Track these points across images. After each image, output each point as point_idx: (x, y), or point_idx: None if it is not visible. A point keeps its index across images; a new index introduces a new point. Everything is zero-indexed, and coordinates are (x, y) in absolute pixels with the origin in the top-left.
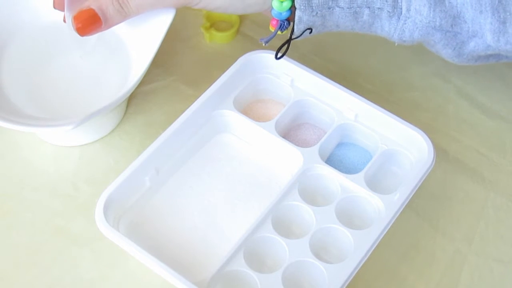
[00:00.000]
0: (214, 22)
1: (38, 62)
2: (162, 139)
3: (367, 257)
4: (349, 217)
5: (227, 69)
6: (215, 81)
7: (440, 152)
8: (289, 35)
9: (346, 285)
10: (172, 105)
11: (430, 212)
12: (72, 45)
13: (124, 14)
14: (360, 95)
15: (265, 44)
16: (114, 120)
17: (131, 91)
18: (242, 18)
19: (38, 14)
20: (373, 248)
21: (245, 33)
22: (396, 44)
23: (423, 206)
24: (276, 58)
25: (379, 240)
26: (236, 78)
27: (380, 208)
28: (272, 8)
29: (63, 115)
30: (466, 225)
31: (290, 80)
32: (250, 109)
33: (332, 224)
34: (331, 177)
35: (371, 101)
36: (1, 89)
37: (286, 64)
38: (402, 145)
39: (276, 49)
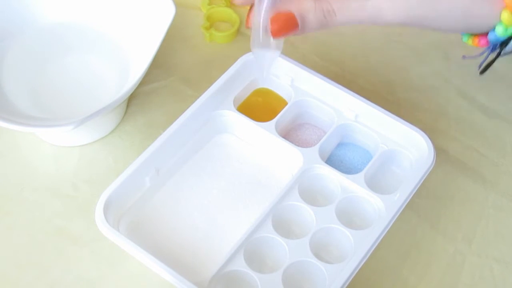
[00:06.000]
0: (214, 22)
1: (38, 62)
2: (162, 139)
3: (367, 257)
4: (349, 217)
5: (227, 69)
6: (215, 81)
7: (440, 152)
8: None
9: (346, 285)
10: (172, 105)
11: (431, 212)
12: (72, 46)
13: (325, 23)
14: (360, 95)
15: (480, 70)
16: (114, 120)
17: (131, 91)
18: (242, 18)
19: (38, 15)
20: (373, 248)
21: (245, 33)
22: None
23: (424, 206)
24: (481, 73)
25: (379, 240)
26: (236, 78)
27: (380, 208)
28: (492, 31)
29: (63, 115)
30: (467, 225)
31: (290, 80)
32: None
33: (332, 224)
34: (331, 177)
35: (371, 101)
36: (1, 89)
37: (286, 64)
38: (402, 145)
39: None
